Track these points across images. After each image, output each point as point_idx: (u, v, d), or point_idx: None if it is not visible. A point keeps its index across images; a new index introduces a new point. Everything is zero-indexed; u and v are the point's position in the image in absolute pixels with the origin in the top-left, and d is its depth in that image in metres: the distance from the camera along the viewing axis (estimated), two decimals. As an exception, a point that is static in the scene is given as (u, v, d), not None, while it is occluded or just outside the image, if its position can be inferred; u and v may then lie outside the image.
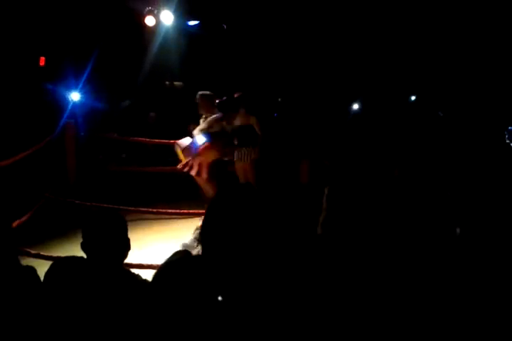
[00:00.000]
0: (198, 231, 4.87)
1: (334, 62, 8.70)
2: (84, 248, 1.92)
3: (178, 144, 5.29)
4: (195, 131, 5.22)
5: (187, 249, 4.80)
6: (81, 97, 7.79)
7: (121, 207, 4.49)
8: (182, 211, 5.18)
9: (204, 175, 5.06)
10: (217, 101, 5.25)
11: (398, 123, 8.42)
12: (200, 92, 5.31)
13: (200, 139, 5.02)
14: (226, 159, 5.44)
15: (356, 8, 7.63)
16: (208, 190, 5.14)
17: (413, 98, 10.21)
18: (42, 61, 8.47)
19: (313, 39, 8.40)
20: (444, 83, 8.44)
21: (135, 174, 4.99)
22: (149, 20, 6.67)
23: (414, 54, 8.27)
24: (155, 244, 5.10)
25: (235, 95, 5.62)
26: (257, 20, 8.17)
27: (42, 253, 3.84)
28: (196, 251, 4.65)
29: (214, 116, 5.21)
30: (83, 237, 1.93)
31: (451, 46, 7.80)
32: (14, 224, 4.09)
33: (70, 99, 7.62)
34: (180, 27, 7.55)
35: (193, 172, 5.06)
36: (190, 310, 1.46)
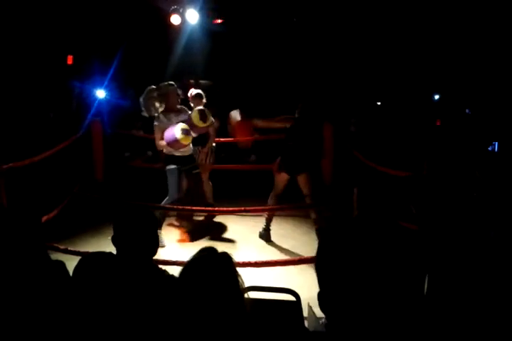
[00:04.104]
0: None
1: (353, 61, 8.62)
2: (115, 242, 1.94)
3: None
4: None
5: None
6: (108, 95, 7.89)
7: (147, 203, 4.54)
8: (208, 208, 5.21)
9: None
10: None
11: (423, 122, 8.30)
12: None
13: None
14: None
15: (376, 4, 7.53)
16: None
17: (437, 97, 10.03)
18: (70, 59, 8.62)
19: (333, 37, 8.33)
20: (469, 80, 8.27)
21: (161, 171, 5.05)
22: (175, 19, 6.72)
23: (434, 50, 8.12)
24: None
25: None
26: (283, 18, 8.14)
27: (69, 248, 3.90)
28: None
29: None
30: (114, 232, 1.94)
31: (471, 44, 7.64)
32: (43, 220, 4.16)
33: (97, 97, 7.74)
34: (206, 26, 7.58)
35: None
36: (216, 306, 1.46)
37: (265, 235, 5.14)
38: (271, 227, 5.16)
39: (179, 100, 5.00)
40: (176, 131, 4.57)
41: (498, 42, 7.32)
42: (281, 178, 4.98)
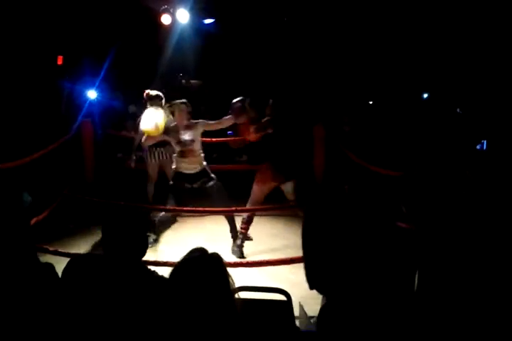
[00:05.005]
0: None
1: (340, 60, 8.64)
2: (104, 244, 1.93)
3: None
4: None
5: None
6: (98, 96, 7.86)
7: (138, 204, 4.53)
8: (198, 209, 5.20)
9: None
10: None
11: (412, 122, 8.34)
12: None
13: None
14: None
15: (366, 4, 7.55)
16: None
17: (425, 95, 10.06)
18: (60, 60, 8.56)
19: (321, 37, 8.34)
20: (459, 78, 8.31)
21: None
22: (165, 19, 6.70)
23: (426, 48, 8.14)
24: (171, 242, 5.14)
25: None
26: (273, 17, 8.15)
27: (60, 250, 3.88)
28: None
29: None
30: (103, 234, 1.94)
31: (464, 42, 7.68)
32: (32, 221, 4.14)
33: (87, 98, 7.70)
34: (196, 25, 7.56)
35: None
36: (206, 307, 1.46)
37: (238, 252, 4.74)
38: (263, 226, 5.14)
39: (188, 117, 4.72)
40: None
41: (488, 42, 7.37)
42: (268, 187, 4.76)
